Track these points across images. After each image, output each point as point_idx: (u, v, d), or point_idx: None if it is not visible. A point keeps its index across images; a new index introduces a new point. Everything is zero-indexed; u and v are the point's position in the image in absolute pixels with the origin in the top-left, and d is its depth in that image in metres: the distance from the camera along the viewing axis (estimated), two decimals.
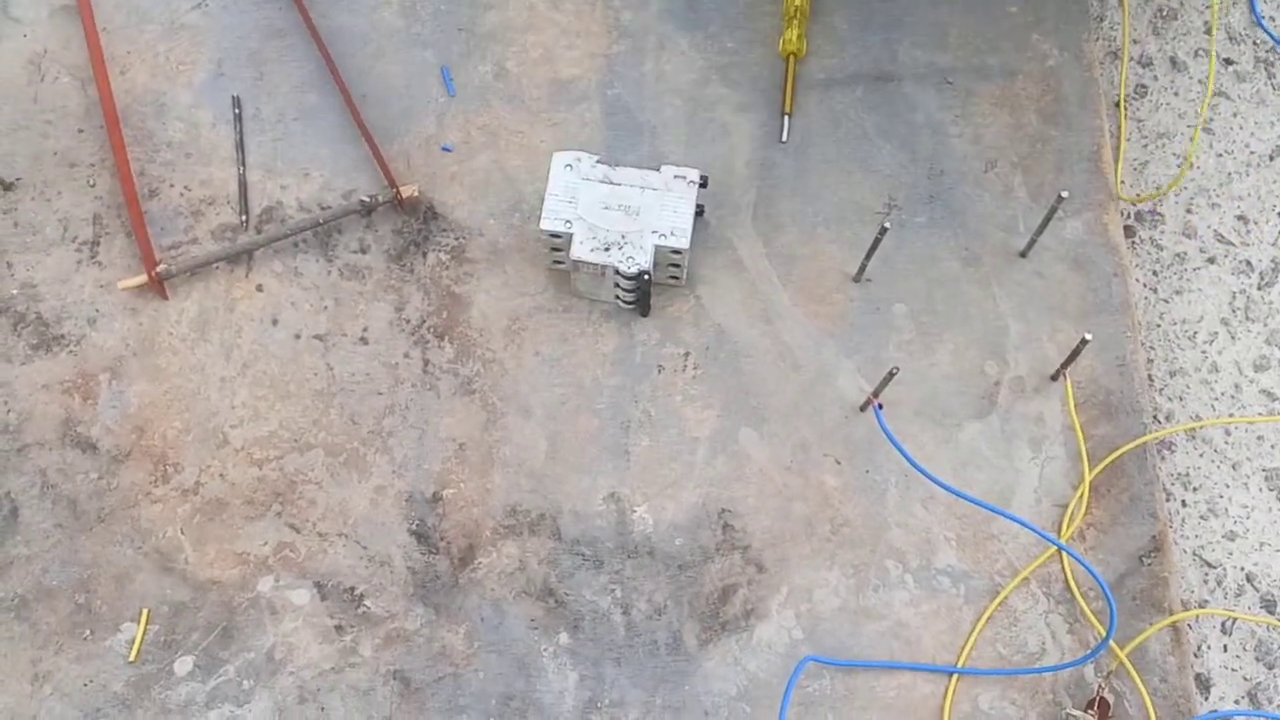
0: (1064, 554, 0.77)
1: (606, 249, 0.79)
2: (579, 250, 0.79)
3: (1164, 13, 0.95)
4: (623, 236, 0.79)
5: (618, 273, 0.79)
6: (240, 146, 0.88)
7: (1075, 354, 0.78)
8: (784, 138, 0.89)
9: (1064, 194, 0.78)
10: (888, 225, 0.78)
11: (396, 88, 0.90)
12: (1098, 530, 0.78)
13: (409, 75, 0.91)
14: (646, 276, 0.79)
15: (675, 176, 0.81)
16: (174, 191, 0.87)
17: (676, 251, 0.80)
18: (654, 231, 0.80)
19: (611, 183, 0.81)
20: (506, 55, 0.91)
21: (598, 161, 0.82)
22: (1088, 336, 0.76)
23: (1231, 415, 0.84)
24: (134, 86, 0.90)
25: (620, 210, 0.80)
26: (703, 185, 0.82)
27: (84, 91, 0.90)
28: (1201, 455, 0.83)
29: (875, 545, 0.79)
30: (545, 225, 0.80)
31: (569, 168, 0.81)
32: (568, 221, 0.80)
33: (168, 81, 0.90)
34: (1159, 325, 0.86)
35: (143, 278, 0.83)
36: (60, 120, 0.89)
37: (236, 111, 0.89)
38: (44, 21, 0.92)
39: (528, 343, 0.83)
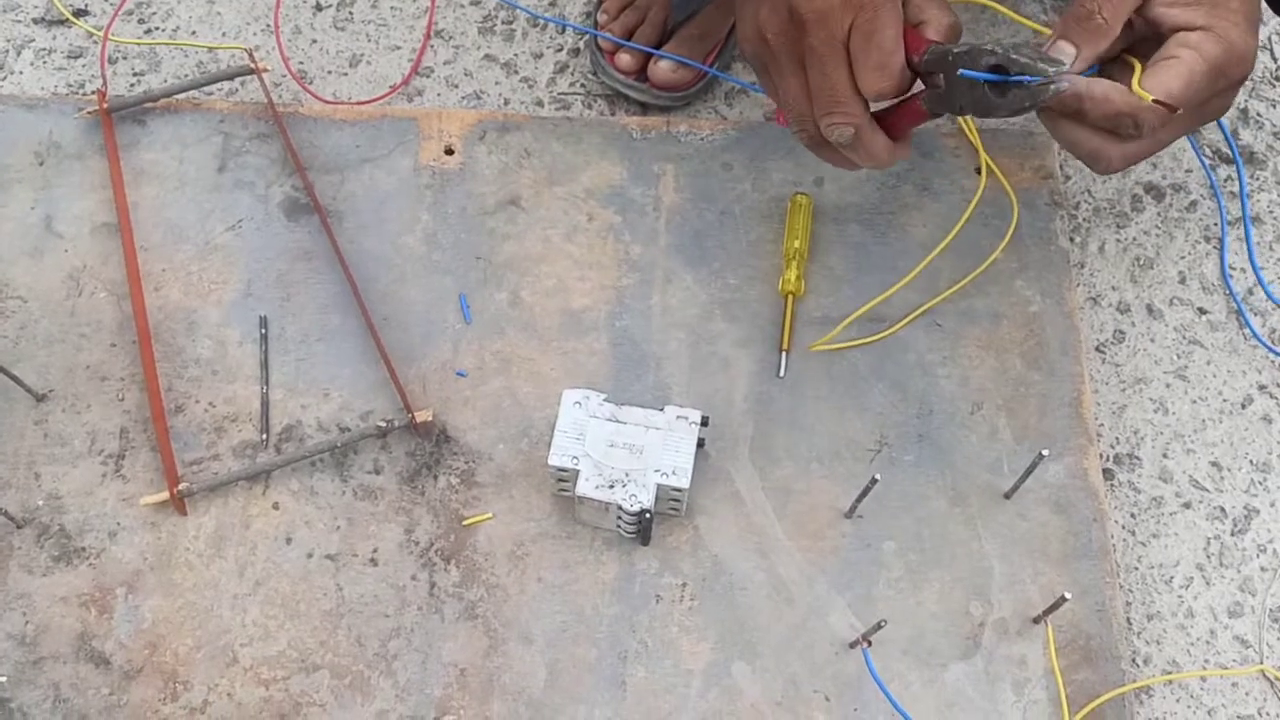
0: None
1: (611, 486, 0.83)
2: (584, 487, 0.83)
3: (1141, 261, 1.01)
4: (626, 474, 0.84)
5: (620, 508, 0.83)
6: (265, 365, 0.93)
7: (1055, 607, 0.82)
8: (781, 373, 0.94)
9: (1045, 453, 0.82)
10: (878, 478, 0.82)
11: (417, 312, 0.95)
12: None
13: (429, 301, 0.96)
14: (648, 515, 0.83)
15: (678, 417, 0.86)
16: (199, 407, 0.91)
17: (677, 489, 0.84)
18: (656, 470, 0.84)
19: (618, 421, 0.85)
20: (521, 284, 0.96)
21: (605, 400, 0.86)
22: (1067, 596, 0.80)
23: (1207, 661, 0.87)
24: (167, 303, 0.95)
25: (625, 448, 0.84)
26: (704, 425, 0.86)
27: (119, 307, 0.94)
28: (1178, 700, 0.86)
29: None
30: (553, 461, 0.84)
31: (578, 405, 0.86)
32: (575, 458, 0.84)
33: (199, 300, 0.95)
34: (1137, 569, 0.90)
35: (164, 495, 0.87)
36: (95, 334, 0.94)
37: (263, 331, 0.94)
38: (85, 237, 0.97)
39: (531, 569, 0.87)
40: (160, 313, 0.95)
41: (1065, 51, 0.65)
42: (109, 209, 0.98)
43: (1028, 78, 0.63)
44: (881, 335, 0.94)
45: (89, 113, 1.00)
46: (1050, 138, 1.02)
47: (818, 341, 0.94)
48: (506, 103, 1.08)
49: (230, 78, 1.03)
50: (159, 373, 0.92)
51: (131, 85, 1.08)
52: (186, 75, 1.09)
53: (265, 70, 1.01)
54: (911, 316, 0.94)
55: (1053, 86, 0.64)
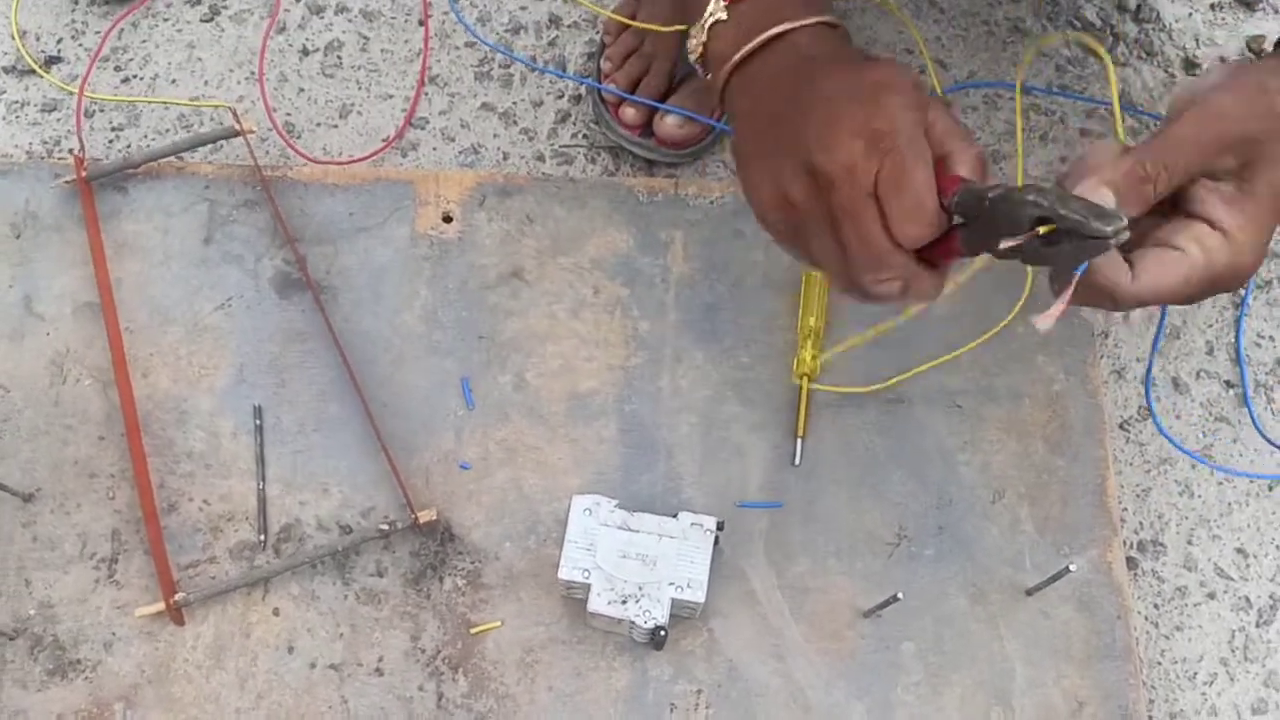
0: None
1: (624, 602, 0.81)
2: (596, 604, 0.80)
3: (1167, 330, 0.98)
4: (640, 588, 0.81)
5: (634, 624, 0.81)
6: (260, 460, 0.89)
7: None
8: (797, 461, 0.90)
9: (1072, 568, 0.80)
10: (900, 596, 0.80)
11: (417, 398, 0.92)
12: None
13: (429, 385, 0.92)
14: (663, 633, 0.80)
15: (692, 524, 0.83)
16: (193, 506, 0.88)
17: (693, 604, 0.81)
18: (671, 584, 0.81)
19: (630, 529, 0.82)
20: (526, 366, 0.93)
21: (616, 506, 0.83)
22: None
23: None
24: (155, 391, 0.91)
25: (638, 560, 0.81)
26: (720, 529, 0.83)
27: (105, 395, 0.90)
28: None
29: None
30: (564, 575, 0.81)
31: (588, 512, 0.83)
32: (586, 571, 0.81)
33: (189, 387, 0.91)
34: (1160, 663, 0.88)
35: (160, 606, 0.84)
36: (81, 425, 0.90)
37: (258, 422, 0.90)
38: (67, 318, 0.93)
39: (541, 677, 0.84)
40: (149, 402, 0.91)
41: (1108, 199, 0.60)
42: (91, 287, 0.93)
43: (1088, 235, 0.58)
44: (882, 386, 0.91)
45: (66, 182, 0.95)
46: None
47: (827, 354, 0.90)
48: (506, 157, 1.03)
49: (214, 140, 0.97)
50: (150, 468, 0.88)
51: (110, 141, 1.02)
52: (168, 129, 1.03)
53: (251, 132, 0.96)
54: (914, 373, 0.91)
55: (1111, 242, 0.59)
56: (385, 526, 0.86)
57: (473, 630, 0.85)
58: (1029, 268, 0.94)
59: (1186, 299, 0.62)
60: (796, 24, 0.65)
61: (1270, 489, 0.93)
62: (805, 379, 0.92)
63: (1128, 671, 0.85)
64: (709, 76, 0.70)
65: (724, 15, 0.67)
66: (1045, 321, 0.61)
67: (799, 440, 0.91)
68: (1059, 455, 0.91)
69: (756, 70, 0.67)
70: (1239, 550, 0.91)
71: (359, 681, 0.84)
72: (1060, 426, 0.92)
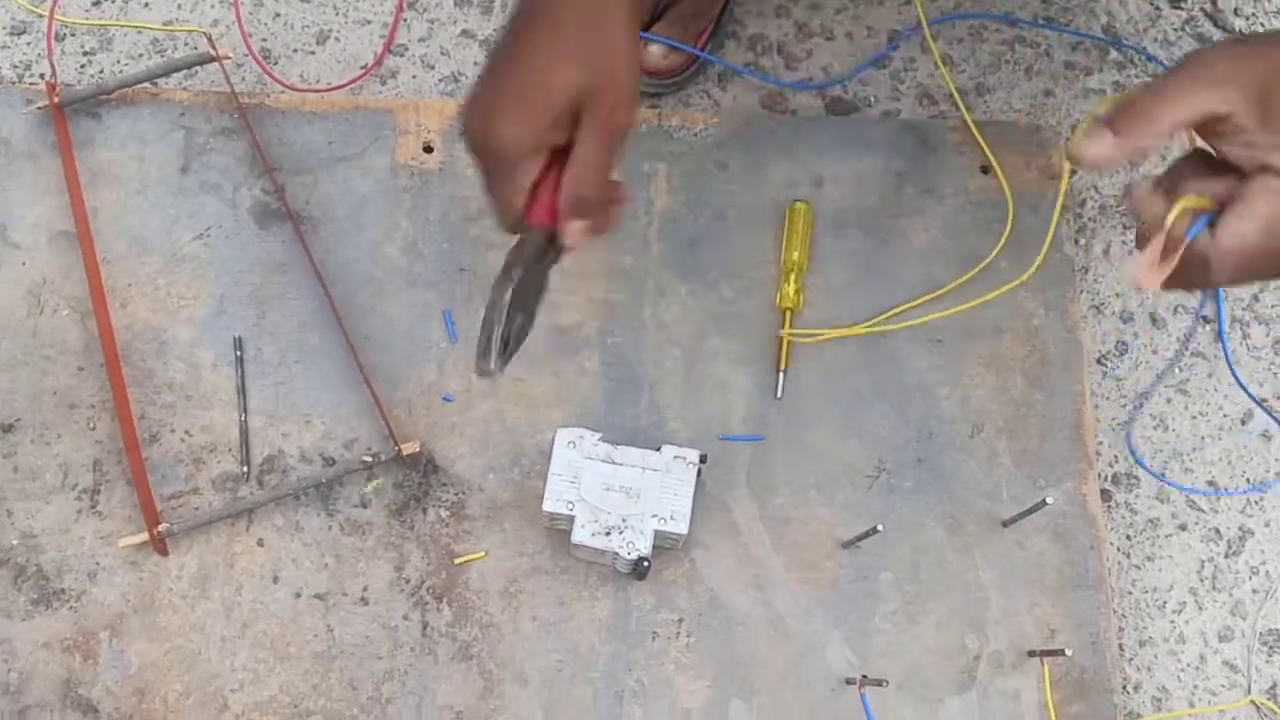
0: None
1: (607, 533, 0.81)
2: (580, 535, 0.81)
3: None
4: (623, 520, 0.82)
5: (616, 554, 0.81)
6: (242, 391, 0.89)
7: (1053, 653, 0.82)
8: (779, 394, 0.91)
9: (1049, 500, 0.81)
10: (880, 528, 0.81)
11: (399, 330, 0.91)
12: None
13: (411, 317, 0.92)
14: (646, 564, 0.81)
15: (675, 457, 0.83)
16: (175, 437, 0.88)
17: (675, 535, 0.82)
18: (654, 515, 0.82)
19: (613, 462, 0.83)
20: None
21: (600, 439, 0.83)
22: (1068, 651, 0.80)
23: (1196, 687, 0.88)
24: (134, 322, 0.90)
25: (621, 492, 0.82)
26: (703, 462, 0.84)
27: (84, 325, 0.90)
28: None
29: None
30: (548, 507, 0.82)
31: (572, 445, 0.83)
32: (570, 503, 0.82)
33: (169, 318, 0.91)
34: (1131, 593, 0.90)
35: (144, 536, 0.84)
36: (60, 356, 0.89)
37: (238, 353, 0.90)
38: (43, 248, 0.91)
39: (525, 607, 0.85)
40: (128, 332, 0.90)
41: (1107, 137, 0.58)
42: (66, 215, 0.92)
43: None
44: (863, 329, 0.91)
45: (39, 108, 0.93)
46: (1057, 133, 0.99)
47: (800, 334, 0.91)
48: None
49: (189, 66, 0.95)
50: (130, 399, 0.88)
51: (82, 66, 1.00)
52: (141, 54, 1.01)
53: (226, 58, 0.94)
54: (901, 322, 0.91)
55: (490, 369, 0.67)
56: (368, 458, 0.86)
57: (456, 561, 0.86)
58: (1010, 203, 0.95)
59: (1267, 254, 0.58)
60: None
61: (1243, 423, 0.94)
62: (788, 312, 0.92)
63: (1099, 600, 0.87)
64: None
65: None
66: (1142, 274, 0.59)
67: (781, 374, 0.91)
68: (1037, 389, 0.92)
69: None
70: (1210, 483, 0.93)
71: (344, 611, 0.85)
72: (1039, 361, 0.93)
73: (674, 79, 1.01)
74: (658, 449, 0.84)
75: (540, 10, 0.61)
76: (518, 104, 0.61)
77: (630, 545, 0.81)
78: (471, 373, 0.89)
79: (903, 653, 0.86)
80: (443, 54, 1.03)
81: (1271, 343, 0.97)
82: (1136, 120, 0.58)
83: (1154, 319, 0.97)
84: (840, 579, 0.87)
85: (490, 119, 0.62)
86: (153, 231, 0.93)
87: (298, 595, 0.85)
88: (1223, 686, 0.88)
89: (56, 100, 0.93)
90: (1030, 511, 0.83)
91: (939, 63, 1.02)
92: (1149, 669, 0.88)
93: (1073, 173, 1.00)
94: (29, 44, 1.01)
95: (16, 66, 1.00)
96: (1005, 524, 0.88)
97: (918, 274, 0.94)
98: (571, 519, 0.82)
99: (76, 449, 0.87)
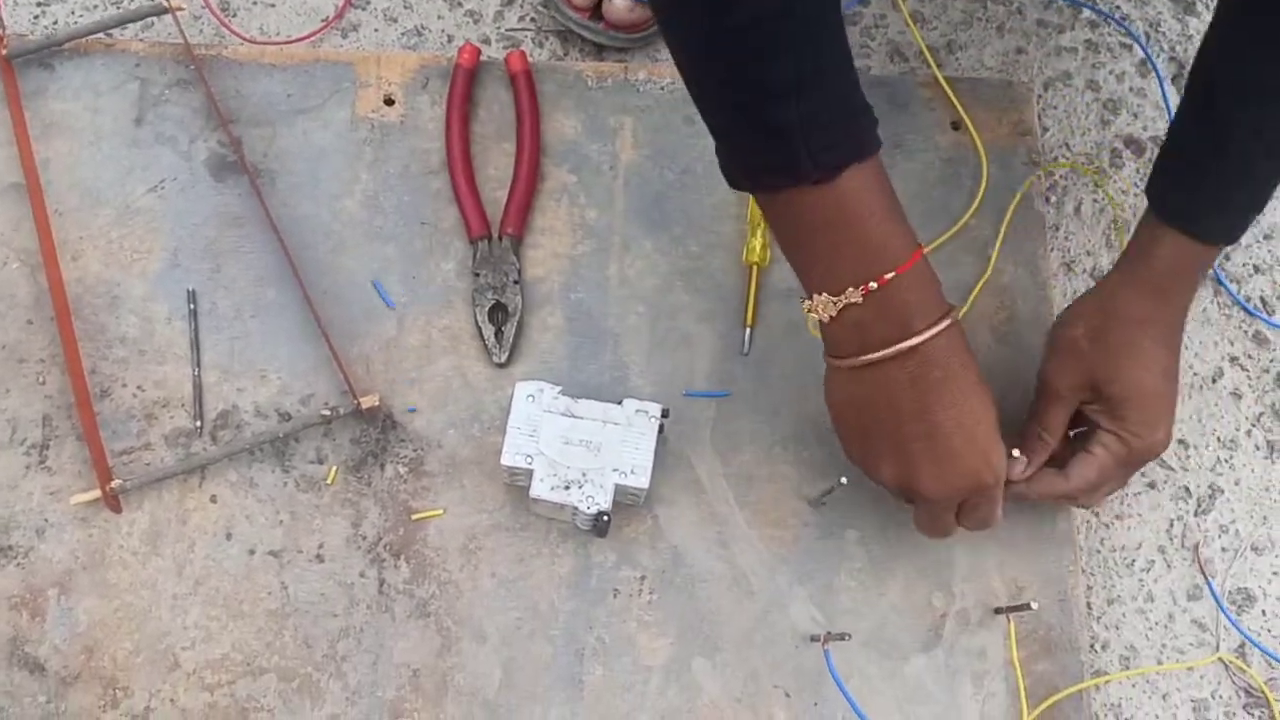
0: None
1: (567, 487, 0.80)
2: (539, 489, 0.80)
3: (1117, 224, 0.97)
4: (583, 474, 0.80)
5: (576, 509, 0.80)
6: (195, 345, 0.87)
7: (1019, 608, 0.81)
8: (745, 350, 0.90)
9: (1014, 453, 0.80)
10: (844, 480, 0.79)
11: (358, 284, 0.89)
12: None
13: (371, 272, 0.90)
14: (606, 518, 0.80)
15: (637, 411, 0.82)
16: (126, 392, 0.86)
17: (636, 489, 0.81)
18: (615, 469, 0.80)
19: (573, 416, 0.81)
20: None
21: (560, 393, 0.82)
22: (1034, 605, 0.79)
23: (1164, 645, 0.87)
24: (86, 275, 0.88)
25: (581, 446, 0.81)
26: (664, 416, 0.82)
27: (34, 279, 0.87)
28: (1134, 685, 0.86)
29: None
30: (506, 461, 0.80)
31: (531, 399, 0.82)
32: (529, 457, 0.80)
33: (121, 271, 0.89)
34: (1099, 551, 0.89)
35: (95, 493, 0.82)
36: (9, 311, 0.87)
37: (192, 307, 0.88)
38: None
39: (484, 564, 0.84)
40: (79, 285, 0.88)
41: (1020, 462, 0.80)
42: (16, 167, 0.90)
43: None
44: None
45: None
46: (1029, 89, 0.98)
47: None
48: (450, 40, 1.00)
49: (143, 17, 0.93)
50: (81, 353, 0.86)
51: (35, 17, 0.98)
52: (95, 4, 0.99)
53: (180, 9, 0.92)
54: None
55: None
56: (326, 413, 0.84)
57: (414, 517, 0.84)
58: (983, 159, 0.93)
59: (1114, 478, 0.81)
60: (926, 336, 0.70)
61: (1213, 381, 0.93)
62: (755, 267, 0.91)
63: (1067, 559, 0.86)
64: (820, 339, 0.75)
65: (859, 300, 0.70)
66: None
67: (747, 329, 0.90)
68: (1006, 345, 0.91)
69: (879, 370, 0.72)
70: (1180, 441, 0.92)
71: (299, 568, 0.83)
72: (1008, 318, 0.92)
73: (641, 33, 0.99)
74: (619, 403, 0.82)
75: (960, 362, 0.72)
76: (997, 440, 0.75)
77: (590, 500, 0.80)
78: (432, 329, 0.88)
79: (868, 610, 0.84)
80: (406, 7, 1.01)
81: (1243, 299, 0.95)
82: (1037, 453, 0.81)
83: None
84: (805, 536, 0.86)
85: (990, 464, 0.74)
86: (106, 184, 0.90)
87: (251, 552, 0.83)
88: (1191, 645, 0.87)
89: (4, 52, 0.91)
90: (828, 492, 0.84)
91: (909, 20, 1.01)
92: (1117, 627, 0.87)
93: (1044, 130, 0.99)
94: None
95: None
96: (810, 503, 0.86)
97: None
98: (530, 473, 0.80)
99: (25, 404, 0.85)
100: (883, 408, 0.73)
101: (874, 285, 0.69)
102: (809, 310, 0.72)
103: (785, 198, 0.69)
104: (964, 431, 0.72)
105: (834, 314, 0.71)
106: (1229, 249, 0.97)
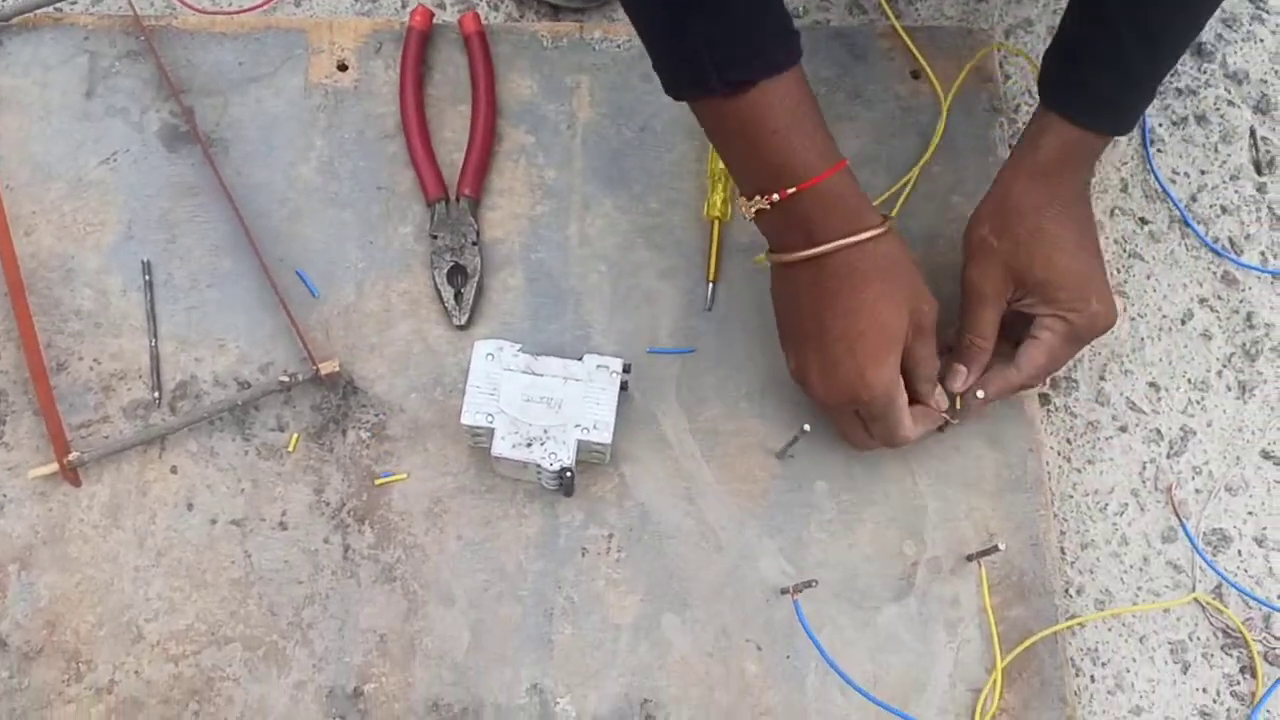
0: None
1: (529, 444, 0.79)
2: (500, 447, 0.79)
3: None
4: (545, 431, 0.79)
5: (540, 467, 0.79)
6: (151, 316, 0.86)
7: (988, 552, 0.80)
8: (709, 305, 0.89)
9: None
10: (807, 428, 0.79)
11: (315, 250, 0.88)
12: (1010, 716, 0.80)
13: (327, 238, 0.89)
14: (569, 474, 0.79)
15: (598, 366, 0.81)
16: (83, 365, 0.85)
17: (599, 445, 0.80)
18: (577, 425, 0.79)
19: (534, 373, 0.80)
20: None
21: (520, 350, 0.81)
22: (1001, 546, 0.78)
23: (1139, 588, 0.86)
24: (39, 250, 0.87)
25: (543, 403, 0.80)
26: (626, 372, 0.81)
27: None
28: (1110, 629, 0.86)
29: None
30: (466, 420, 0.79)
31: (490, 357, 0.81)
32: (489, 415, 0.79)
33: (75, 244, 0.88)
34: (1071, 496, 0.88)
35: (54, 466, 0.81)
36: None
37: (147, 278, 0.87)
38: None
39: (450, 526, 0.83)
40: (33, 260, 0.87)
41: (960, 372, 0.82)
42: None
43: None
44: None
45: None
46: (989, 35, 0.97)
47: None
48: (404, 4, 0.99)
49: None
50: (36, 327, 0.85)
51: None
52: None
53: None
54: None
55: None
56: (285, 379, 0.83)
57: (378, 482, 0.83)
58: (943, 106, 0.93)
59: (1062, 362, 0.83)
60: (826, 248, 0.75)
61: (1183, 323, 0.93)
62: (717, 222, 0.90)
63: (1039, 503, 0.85)
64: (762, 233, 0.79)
65: (767, 206, 0.75)
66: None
67: (710, 285, 0.89)
68: None
69: (791, 271, 0.78)
70: (1151, 384, 0.91)
71: (262, 536, 0.82)
72: None
73: None
74: (580, 358, 0.81)
75: (860, 277, 0.76)
76: (879, 358, 0.76)
77: (553, 456, 0.79)
78: (391, 293, 0.87)
79: (839, 561, 0.84)
80: None
81: (1210, 240, 0.95)
82: (975, 359, 0.82)
83: None
84: (773, 489, 0.85)
85: (864, 379, 0.76)
86: (57, 158, 0.90)
87: (213, 522, 0.82)
88: (1167, 587, 0.86)
89: None
90: (792, 442, 0.83)
91: None
92: (1091, 572, 0.87)
93: (1005, 77, 0.98)
94: None
95: None
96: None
97: None
98: (492, 432, 0.79)
99: None
100: (791, 305, 0.80)
101: (776, 197, 0.74)
102: (740, 207, 0.77)
103: (700, 107, 0.75)
104: (846, 343, 0.76)
105: (752, 215, 0.77)
106: (1196, 189, 0.96)
